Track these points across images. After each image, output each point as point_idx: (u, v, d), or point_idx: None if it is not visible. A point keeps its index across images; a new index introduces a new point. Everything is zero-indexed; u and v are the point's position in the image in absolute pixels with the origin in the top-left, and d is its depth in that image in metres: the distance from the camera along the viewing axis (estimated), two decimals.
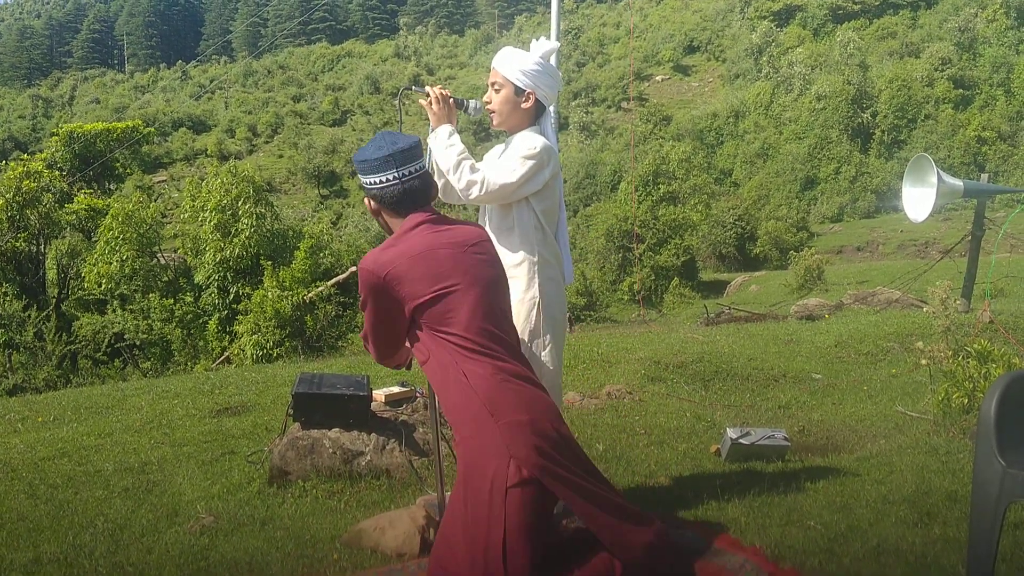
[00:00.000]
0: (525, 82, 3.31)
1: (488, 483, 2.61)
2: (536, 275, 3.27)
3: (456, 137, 3.28)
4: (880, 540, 3.16)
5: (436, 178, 3.18)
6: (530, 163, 3.22)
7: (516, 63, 3.33)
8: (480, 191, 3.19)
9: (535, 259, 3.27)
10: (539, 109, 3.39)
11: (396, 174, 2.79)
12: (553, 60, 3.56)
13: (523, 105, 3.34)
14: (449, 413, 2.76)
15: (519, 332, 3.22)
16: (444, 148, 3.23)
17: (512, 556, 2.57)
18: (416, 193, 2.83)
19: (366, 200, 2.92)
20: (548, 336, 3.30)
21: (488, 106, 3.40)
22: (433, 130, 3.32)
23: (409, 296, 2.73)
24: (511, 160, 3.23)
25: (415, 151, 2.83)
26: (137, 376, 13.71)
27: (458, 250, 2.79)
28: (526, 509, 2.60)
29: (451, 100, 3.37)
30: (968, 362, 4.86)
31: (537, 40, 3.43)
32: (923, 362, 5.27)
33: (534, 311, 3.27)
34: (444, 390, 2.77)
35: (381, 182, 2.80)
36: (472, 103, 3.45)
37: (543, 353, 3.29)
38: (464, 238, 2.84)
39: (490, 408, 2.65)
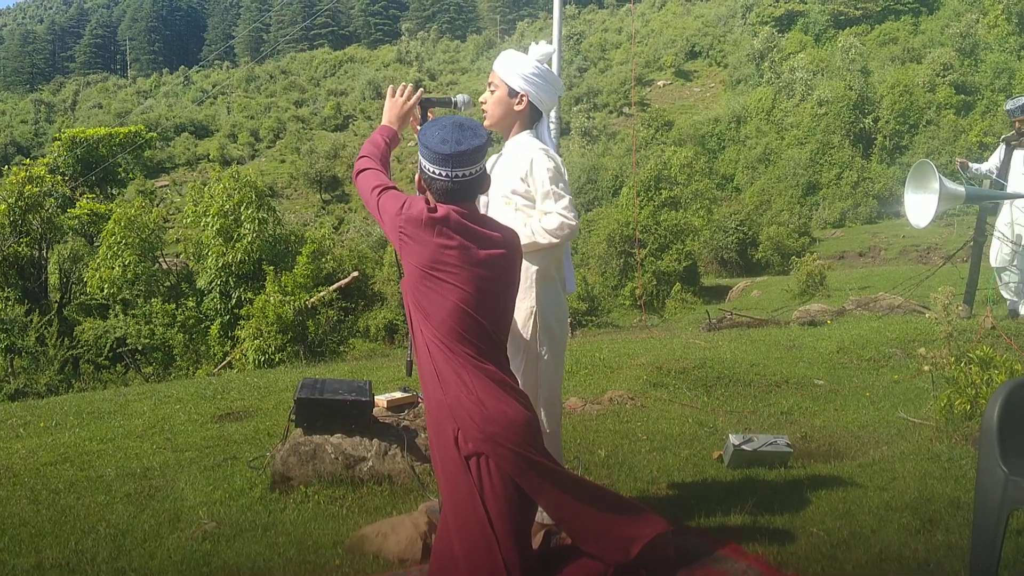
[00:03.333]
0: (519, 84, 3.32)
1: (452, 452, 2.67)
2: (534, 284, 3.27)
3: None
4: (883, 547, 3.16)
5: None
6: (561, 182, 3.29)
7: (511, 65, 3.35)
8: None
9: (534, 268, 3.28)
10: (534, 113, 3.39)
11: (449, 173, 2.74)
12: (554, 65, 3.57)
13: (516, 107, 3.35)
14: (420, 375, 2.82)
15: (515, 340, 3.24)
16: None
17: (498, 522, 2.61)
18: (464, 192, 2.79)
19: (417, 176, 2.86)
20: (545, 347, 3.30)
21: (483, 106, 3.42)
22: None
23: (412, 248, 2.74)
24: (555, 195, 3.26)
25: (477, 154, 2.77)
26: (139, 381, 13.71)
27: (470, 246, 2.75)
28: (493, 478, 2.63)
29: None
30: (970, 368, 4.85)
31: (536, 44, 3.43)
32: (925, 368, 5.26)
33: (531, 320, 3.27)
34: (417, 355, 2.82)
35: (433, 172, 2.76)
36: (460, 98, 3.46)
37: (540, 363, 3.28)
38: (484, 238, 2.80)
39: (441, 382, 2.71)
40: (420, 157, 2.82)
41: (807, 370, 6.84)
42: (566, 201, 3.24)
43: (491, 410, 2.65)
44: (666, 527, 2.84)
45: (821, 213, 39.90)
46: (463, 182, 2.77)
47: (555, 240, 3.22)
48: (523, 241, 3.20)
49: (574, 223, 3.23)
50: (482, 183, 2.85)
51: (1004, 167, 8.46)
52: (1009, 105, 8.49)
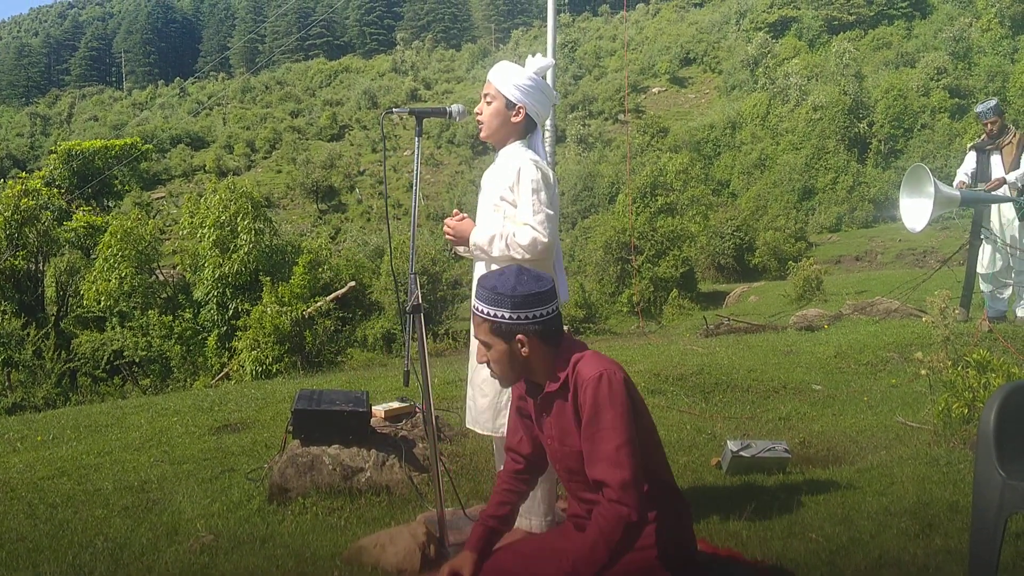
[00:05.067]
0: (517, 96, 3.34)
1: None
2: None
3: (481, 237, 3.33)
4: (882, 552, 3.16)
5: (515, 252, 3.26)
6: (543, 194, 3.28)
7: (510, 77, 3.36)
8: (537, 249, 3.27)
9: None
10: (529, 125, 3.42)
11: (555, 304, 2.64)
12: (549, 78, 3.59)
13: (513, 119, 3.37)
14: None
15: None
16: (491, 248, 3.30)
17: None
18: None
19: (519, 339, 2.58)
20: None
21: (478, 116, 3.43)
22: (474, 245, 3.36)
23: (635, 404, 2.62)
24: (533, 207, 3.26)
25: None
26: (136, 393, 13.68)
27: None
28: None
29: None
30: (967, 372, 4.86)
31: (533, 56, 3.46)
32: (923, 372, 5.26)
33: None
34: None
35: (548, 312, 2.60)
36: (455, 108, 3.48)
37: None
38: None
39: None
40: (526, 315, 2.58)
41: (805, 375, 6.84)
42: (543, 216, 3.23)
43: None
44: None
45: (817, 218, 39.97)
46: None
47: (527, 256, 3.23)
48: (497, 253, 3.27)
49: (546, 239, 3.22)
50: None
51: (984, 173, 8.49)
52: (980, 108, 8.56)
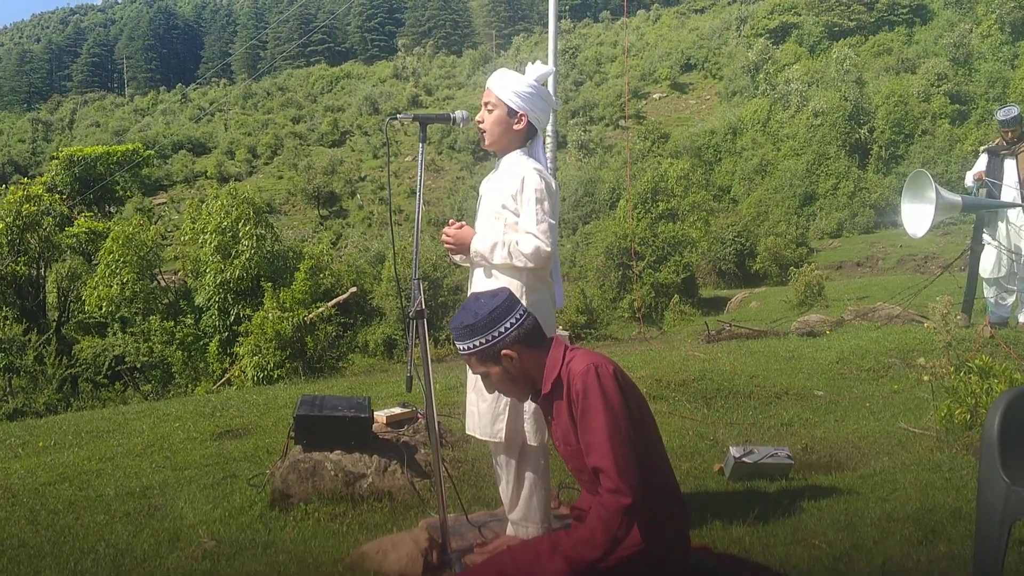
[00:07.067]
0: (518, 104, 3.34)
1: None
2: (523, 297, 3.28)
3: (483, 244, 3.32)
4: (885, 558, 3.15)
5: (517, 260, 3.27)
6: (547, 203, 3.28)
7: (511, 85, 3.36)
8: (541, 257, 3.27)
9: (522, 283, 3.30)
10: (530, 132, 3.42)
11: (521, 308, 2.79)
12: (550, 84, 3.59)
13: (515, 127, 3.37)
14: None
15: None
16: (493, 256, 3.30)
17: None
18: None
19: (505, 355, 2.72)
20: None
21: (480, 125, 3.43)
22: (475, 253, 3.35)
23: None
24: (537, 216, 3.27)
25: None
26: (138, 399, 13.68)
27: None
28: None
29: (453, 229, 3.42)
30: (970, 377, 4.85)
31: (533, 63, 3.46)
32: (925, 378, 5.26)
33: None
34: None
35: (517, 319, 2.75)
36: (458, 114, 3.48)
37: None
38: None
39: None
40: (494, 335, 2.72)
41: (807, 381, 6.83)
42: (546, 225, 3.24)
43: None
44: None
45: (818, 223, 39.93)
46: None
47: (530, 264, 3.23)
48: (499, 260, 3.26)
49: (549, 249, 3.24)
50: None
51: (995, 176, 8.49)
52: (1001, 115, 8.52)
